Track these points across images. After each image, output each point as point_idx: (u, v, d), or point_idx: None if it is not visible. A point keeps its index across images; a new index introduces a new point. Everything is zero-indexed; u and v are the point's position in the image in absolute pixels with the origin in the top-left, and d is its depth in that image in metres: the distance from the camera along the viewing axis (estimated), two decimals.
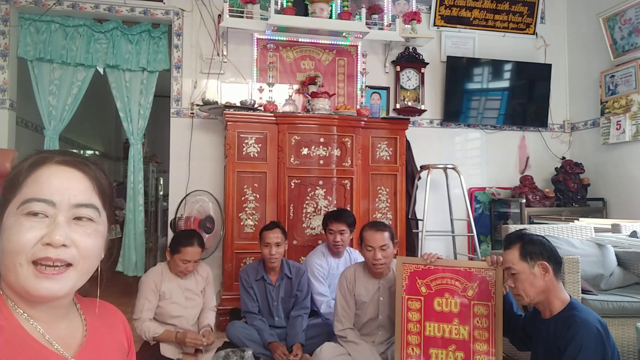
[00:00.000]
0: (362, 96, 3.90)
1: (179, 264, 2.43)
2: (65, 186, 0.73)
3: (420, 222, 3.80)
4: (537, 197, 4.07)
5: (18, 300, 0.72)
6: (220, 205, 3.56)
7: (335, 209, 3.23)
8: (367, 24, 3.71)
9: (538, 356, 1.78)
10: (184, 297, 2.49)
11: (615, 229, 3.05)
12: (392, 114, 4.07)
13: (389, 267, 2.35)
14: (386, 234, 2.31)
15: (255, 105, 3.47)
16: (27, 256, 0.69)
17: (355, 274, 2.41)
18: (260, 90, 3.69)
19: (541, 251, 1.72)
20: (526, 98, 4.38)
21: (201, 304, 2.57)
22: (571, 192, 4.10)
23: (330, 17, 3.72)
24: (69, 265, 0.72)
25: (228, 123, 3.28)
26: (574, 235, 2.99)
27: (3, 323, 0.69)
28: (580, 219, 3.41)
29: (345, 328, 2.35)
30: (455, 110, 4.24)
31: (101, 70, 3.97)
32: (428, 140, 4.23)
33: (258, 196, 3.30)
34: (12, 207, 0.71)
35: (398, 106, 4.08)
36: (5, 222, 0.72)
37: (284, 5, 3.58)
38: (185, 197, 3.29)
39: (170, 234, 3.37)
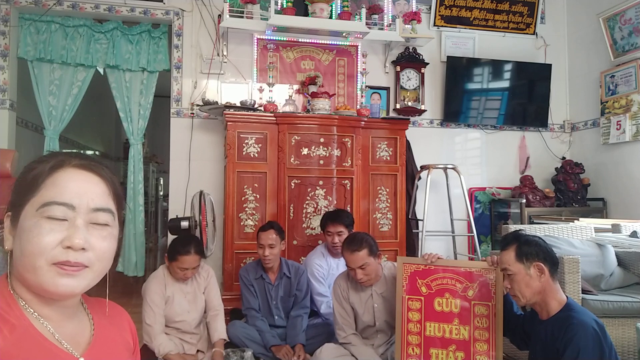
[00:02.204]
0: (362, 96, 3.90)
1: (177, 272, 2.40)
2: (84, 190, 0.74)
3: (420, 222, 3.80)
4: (537, 197, 4.07)
5: (30, 299, 0.73)
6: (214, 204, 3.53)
7: (333, 209, 3.23)
8: (367, 24, 3.71)
9: (536, 357, 1.78)
10: (186, 301, 2.47)
11: (615, 229, 3.05)
12: (392, 114, 4.07)
13: (377, 274, 2.32)
14: (364, 252, 2.22)
15: (255, 105, 3.47)
16: (47, 258, 0.70)
17: (348, 283, 2.39)
18: (260, 90, 3.70)
19: (537, 252, 1.72)
20: (526, 98, 4.38)
21: (203, 305, 2.53)
22: (571, 192, 4.10)
23: (330, 17, 3.72)
24: (85, 267, 0.74)
25: (228, 123, 3.28)
26: (574, 235, 2.99)
27: (15, 322, 0.70)
28: (581, 219, 3.41)
29: (348, 335, 2.35)
30: (455, 110, 4.24)
31: (101, 71, 3.97)
32: (428, 140, 4.23)
33: (258, 196, 3.30)
34: (30, 208, 0.72)
35: (398, 106, 4.08)
36: (23, 224, 0.72)
37: (284, 6, 3.58)
38: (200, 198, 3.24)
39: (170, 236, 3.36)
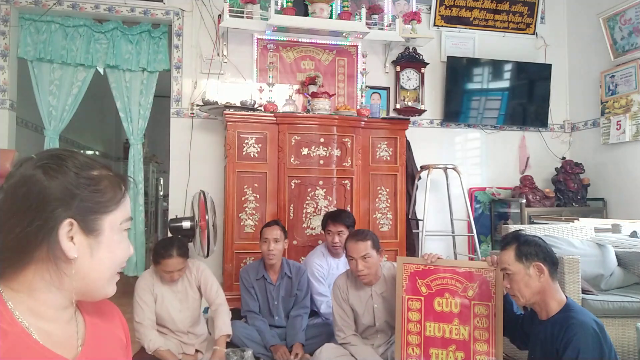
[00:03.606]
0: (362, 96, 3.90)
1: (163, 275, 2.38)
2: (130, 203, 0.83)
3: (420, 222, 3.80)
4: (537, 197, 4.07)
5: (26, 303, 0.72)
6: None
7: (334, 209, 3.23)
8: (367, 24, 3.71)
9: (535, 357, 1.77)
10: (177, 300, 2.44)
11: (615, 229, 3.05)
12: (392, 114, 4.07)
13: (377, 273, 2.32)
14: (368, 243, 2.24)
15: (255, 106, 3.47)
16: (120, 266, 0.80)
17: (347, 284, 2.39)
18: (260, 90, 3.70)
19: (537, 252, 1.72)
20: (526, 98, 4.38)
21: (197, 304, 2.51)
22: (571, 192, 4.10)
23: (330, 17, 3.72)
24: None
25: (228, 123, 3.28)
26: (574, 235, 2.99)
27: (6, 327, 0.68)
28: (581, 219, 3.41)
29: (347, 335, 2.34)
30: (456, 110, 4.24)
31: (101, 71, 3.97)
32: (428, 140, 4.23)
33: (258, 196, 3.30)
34: (113, 221, 0.77)
35: (398, 106, 4.08)
36: (110, 236, 0.77)
37: (284, 6, 3.58)
38: (202, 198, 3.22)
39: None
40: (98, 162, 0.78)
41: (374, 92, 4.05)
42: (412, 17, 3.89)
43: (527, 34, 4.43)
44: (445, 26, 4.27)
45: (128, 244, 0.80)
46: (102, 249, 0.75)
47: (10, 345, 0.67)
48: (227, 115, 3.27)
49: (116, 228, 0.77)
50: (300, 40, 3.87)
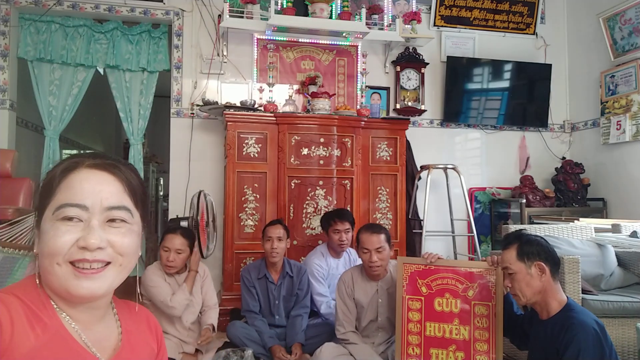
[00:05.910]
0: (362, 96, 3.90)
1: (162, 255, 2.41)
2: (97, 190, 0.75)
3: (420, 222, 3.80)
4: (537, 197, 4.07)
5: (58, 300, 0.74)
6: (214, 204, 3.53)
7: (334, 209, 3.23)
8: (367, 24, 3.71)
9: (535, 357, 1.77)
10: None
11: (615, 229, 3.05)
12: (392, 114, 4.07)
13: (386, 269, 2.35)
14: (382, 236, 2.29)
15: (255, 106, 3.47)
16: (65, 257, 0.71)
17: (353, 278, 2.41)
18: (260, 90, 3.70)
19: (538, 252, 1.72)
20: (526, 98, 4.38)
21: (199, 305, 2.54)
22: (571, 192, 4.10)
23: (330, 17, 3.72)
24: (107, 263, 0.74)
25: (228, 123, 3.28)
26: (574, 235, 2.99)
27: (47, 321, 0.70)
28: (581, 219, 3.41)
29: (347, 331, 2.36)
30: (456, 111, 4.24)
31: (101, 71, 3.97)
32: (428, 140, 4.23)
33: (258, 196, 3.30)
34: (48, 212, 0.73)
35: (398, 106, 4.08)
36: (42, 227, 0.74)
37: (284, 6, 3.59)
38: (200, 198, 3.24)
39: None
40: (72, 156, 0.79)
41: (374, 92, 4.05)
42: (412, 17, 3.90)
43: (527, 34, 4.43)
44: (445, 26, 4.27)
45: (62, 233, 0.71)
46: (39, 242, 0.74)
47: (48, 339, 0.69)
48: (227, 115, 3.27)
49: (48, 218, 0.73)
50: (300, 40, 3.87)
